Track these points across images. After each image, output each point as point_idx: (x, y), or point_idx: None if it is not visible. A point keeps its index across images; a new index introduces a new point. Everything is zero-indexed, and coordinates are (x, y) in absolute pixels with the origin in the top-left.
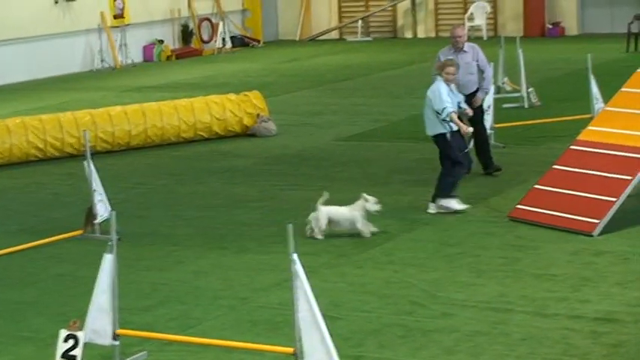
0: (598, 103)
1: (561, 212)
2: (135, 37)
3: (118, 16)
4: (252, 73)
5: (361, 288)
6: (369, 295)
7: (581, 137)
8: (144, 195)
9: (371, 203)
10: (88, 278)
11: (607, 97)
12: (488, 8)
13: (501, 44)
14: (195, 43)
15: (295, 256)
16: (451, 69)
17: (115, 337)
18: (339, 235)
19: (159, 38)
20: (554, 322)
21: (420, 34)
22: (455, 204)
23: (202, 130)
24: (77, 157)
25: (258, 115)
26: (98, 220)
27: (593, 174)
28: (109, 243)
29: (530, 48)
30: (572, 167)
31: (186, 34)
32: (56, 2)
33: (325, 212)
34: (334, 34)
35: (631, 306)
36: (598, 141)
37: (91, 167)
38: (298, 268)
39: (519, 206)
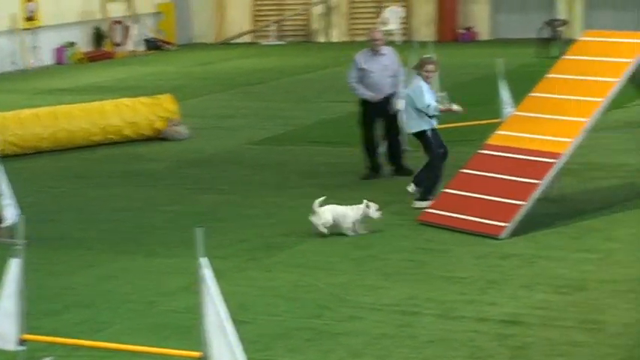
0: (508, 108)
1: (470, 216)
2: (47, 39)
3: (30, 18)
4: (164, 76)
5: (270, 291)
6: (278, 299)
7: (489, 141)
8: (54, 199)
9: (373, 210)
10: None
11: (518, 102)
12: (402, 13)
13: (415, 48)
14: (107, 46)
15: (203, 260)
16: (430, 67)
17: (22, 342)
18: (248, 239)
19: (70, 41)
20: (461, 325)
21: (334, 38)
22: (426, 205)
23: (113, 133)
24: None
25: (168, 118)
26: (5, 224)
27: (501, 178)
28: (16, 247)
29: (443, 52)
30: (480, 171)
31: (98, 37)
32: None
33: (330, 209)
34: (248, 38)
35: (536, 308)
36: (506, 145)
37: None
38: (206, 271)
39: (429, 210)
